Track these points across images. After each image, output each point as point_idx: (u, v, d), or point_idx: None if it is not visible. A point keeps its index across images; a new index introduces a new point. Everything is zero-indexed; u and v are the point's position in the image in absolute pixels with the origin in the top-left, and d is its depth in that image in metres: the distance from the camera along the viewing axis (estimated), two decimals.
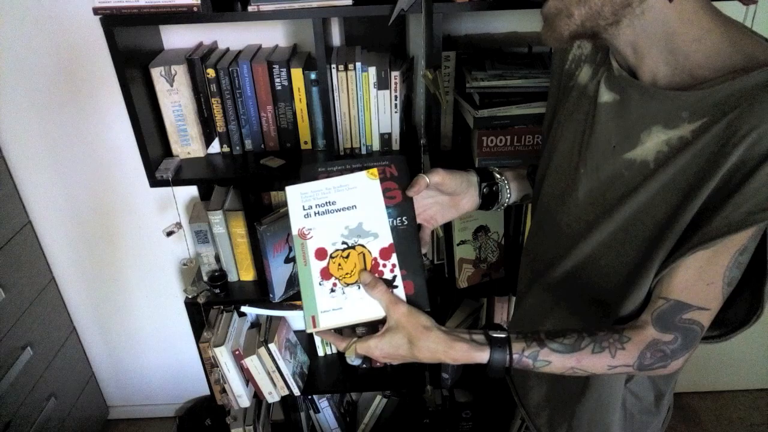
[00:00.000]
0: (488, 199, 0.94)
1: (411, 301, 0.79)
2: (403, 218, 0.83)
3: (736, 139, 0.62)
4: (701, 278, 0.69)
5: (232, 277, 1.56)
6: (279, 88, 1.31)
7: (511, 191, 0.96)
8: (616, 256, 0.78)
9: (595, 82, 0.79)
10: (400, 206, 0.84)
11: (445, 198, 0.92)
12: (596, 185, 0.78)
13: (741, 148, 0.62)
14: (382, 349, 0.77)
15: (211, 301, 1.52)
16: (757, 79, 0.62)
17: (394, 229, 0.82)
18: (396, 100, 1.32)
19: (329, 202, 0.83)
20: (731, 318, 0.79)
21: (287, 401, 1.83)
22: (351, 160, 0.90)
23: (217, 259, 1.53)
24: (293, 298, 1.52)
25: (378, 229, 0.82)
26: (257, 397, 1.69)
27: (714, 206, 0.65)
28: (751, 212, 0.63)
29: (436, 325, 0.76)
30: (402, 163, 0.88)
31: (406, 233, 0.82)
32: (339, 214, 0.83)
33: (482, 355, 0.74)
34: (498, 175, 0.95)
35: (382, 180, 0.85)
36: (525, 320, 1.00)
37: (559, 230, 0.86)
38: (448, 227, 1.44)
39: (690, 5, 0.66)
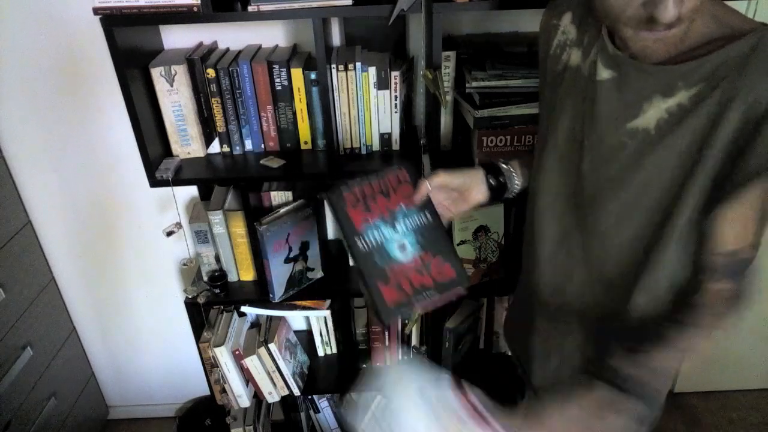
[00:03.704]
0: (498, 190, 0.99)
1: (455, 282, 0.91)
2: (426, 213, 0.96)
3: (737, 102, 0.68)
4: (742, 224, 0.74)
5: (232, 277, 1.56)
6: (279, 88, 1.31)
7: (519, 177, 1.00)
8: (628, 229, 0.81)
9: (590, 62, 0.82)
10: (421, 205, 0.95)
11: (454, 194, 0.99)
12: (599, 156, 0.82)
13: (741, 108, 0.68)
14: None
15: (211, 301, 1.52)
16: (746, 45, 0.68)
17: (424, 226, 0.95)
18: (396, 100, 1.32)
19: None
20: None
21: (287, 401, 1.83)
22: (366, 176, 0.97)
23: (217, 259, 1.53)
24: (293, 297, 1.52)
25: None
26: (257, 397, 1.69)
27: (729, 165, 0.71)
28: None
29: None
30: (410, 166, 0.99)
31: (433, 225, 0.95)
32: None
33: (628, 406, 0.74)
34: (504, 165, 0.99)
35: (398, 185, 0.97)
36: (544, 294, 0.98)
37: (564, 209, 0.89)
38: (448, 227, 1.44)
39: None
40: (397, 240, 0.95)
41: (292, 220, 1.42)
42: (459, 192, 0.98)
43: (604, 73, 0.80)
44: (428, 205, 0.96)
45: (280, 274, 1.45)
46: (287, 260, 1.45)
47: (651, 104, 0.75)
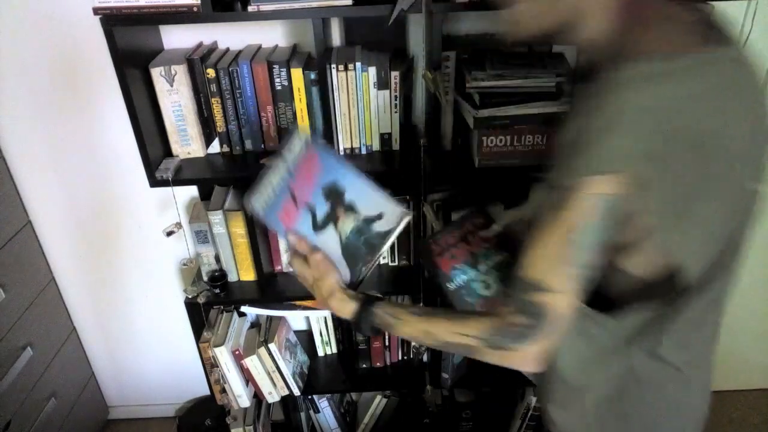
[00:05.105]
0: None
1: None
2: (504, 251, 1.09)
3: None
4: (544, 257, 0.68)
5: (232, 277, 1.56)
6: (279, 88, 1.31)
7: None
8: None
9: None
10: (496, 246, 1.10)
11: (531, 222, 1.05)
12: None
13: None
14: (302, 272, 0.92)
15: (211, 301, 1.52)
16: (603, 73, 0.66)
17: (503, 263, 1.10)
18: (396, 100, 1.32)
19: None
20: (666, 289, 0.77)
21: (287, 401, 1.83)
22: (446, 227, 1.15)
23: (217, 259, 1.53)
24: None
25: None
26: (257, 397, 1.69)
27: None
28: (550, 184, 0.69)
29: (338, 279, 0.90)
30: (484, 209, 1.15)
31: (511, 262, 1.06)
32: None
33: (352, 308, 0.86)
34: None
35: (475, 230, 1.13)
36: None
37: None
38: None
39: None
40: (480, 279, 1.08)
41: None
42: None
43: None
44: (505, 244, 1.09)
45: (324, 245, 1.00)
46: (317, 226, 0.95)
47: (568, 121, 0.75)
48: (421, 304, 1.48)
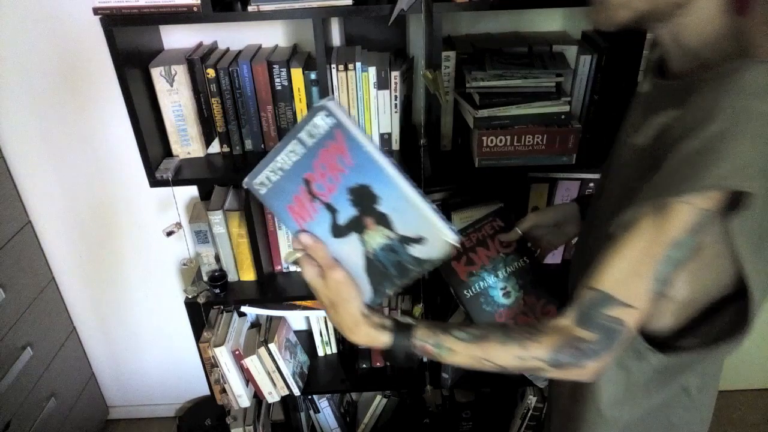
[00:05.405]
0: None
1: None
2: (524, 257, 1.05)
3: (669, 132, 0.63)
4: (627, 269, 0.64)
5: (232, 277, 1.56)
6: (279, 88, 1.31)
7: None
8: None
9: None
10: (516, 251, 1.06)
11: (552, 228, 1.07)
12: (611, 169, 0.80)
13: (669, 139, 0.62)
14: (315, 287, 0.74)
15: (211, 301, 1.52)
16: (716, 73, 0.60)
17: (522, 269, 1.05)
18: (396, 100, 1.32)
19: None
20: (718, 331, 0.74)
21: (287, 401, 1.83)
22: (464, 229, 1.08)
23: (217, 259, 1.53)
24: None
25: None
26: (257, 397, 1.69)
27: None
28: (656, 192, 0.60)
29: (360, 304, 0.73)
30: (504, 212, 1.09)
31: (531, 268, 1.04)
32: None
33: (385, 339, 0.73)
34: None
35: (494, 234, 1.06)
36: None
37: (588, 235, 0.86)
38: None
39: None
40: (500, 286, 1.04)
41: None
42: (557, 226, 1.06)
43: (645, 85, 0.75)
44: (524, 249, 1.06)
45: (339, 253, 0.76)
46: (337, 231, 0.75)
47: (651, 121, 0.68)
48: (429, 318, 1.47)
